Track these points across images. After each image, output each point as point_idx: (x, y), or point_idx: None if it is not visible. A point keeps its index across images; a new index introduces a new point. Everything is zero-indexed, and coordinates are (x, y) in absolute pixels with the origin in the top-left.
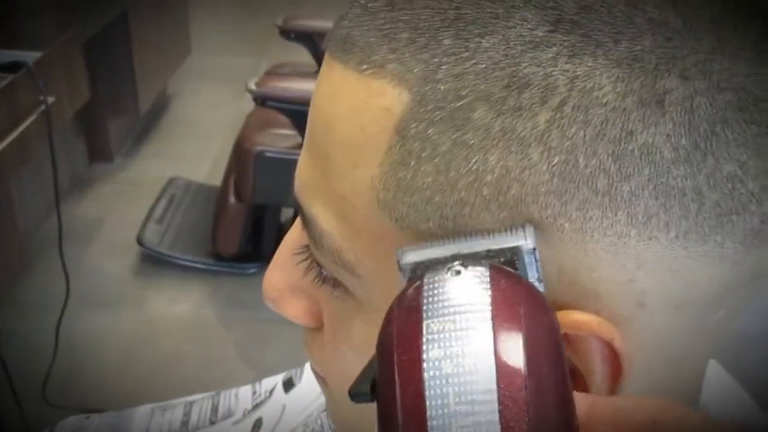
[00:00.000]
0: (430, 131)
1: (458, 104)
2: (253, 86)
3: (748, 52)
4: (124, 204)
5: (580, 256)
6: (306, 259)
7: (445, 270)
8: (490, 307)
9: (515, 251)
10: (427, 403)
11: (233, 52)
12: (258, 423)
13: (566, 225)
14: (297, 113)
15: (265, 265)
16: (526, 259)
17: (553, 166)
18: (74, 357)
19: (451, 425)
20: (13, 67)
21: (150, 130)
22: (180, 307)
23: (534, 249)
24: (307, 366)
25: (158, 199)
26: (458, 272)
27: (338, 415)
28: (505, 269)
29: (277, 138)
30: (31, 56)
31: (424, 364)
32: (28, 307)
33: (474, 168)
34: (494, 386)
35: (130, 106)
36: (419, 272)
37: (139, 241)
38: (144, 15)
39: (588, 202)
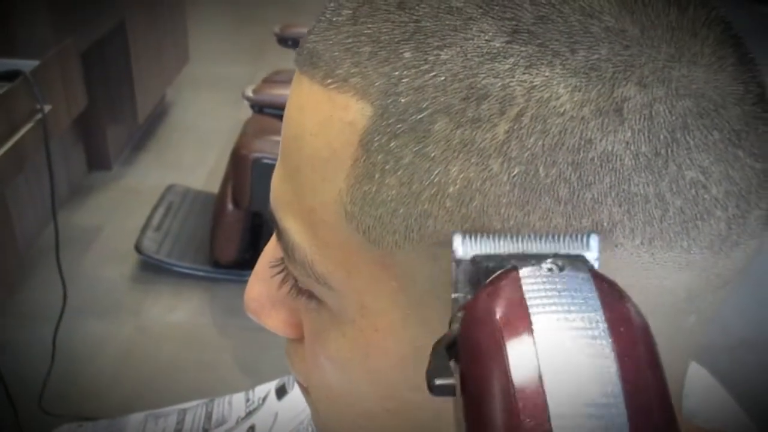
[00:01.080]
0: (392, 144)
1: (419, 117)
2: (250, 93)
3: (707, 59)
4: (122, 212)
5: None
6: (281, 271)
7: (543, 266)
8: (601, 308)
9: (581, 259)
10: (550, 403)
11: (231, 61)
12: (251, 430)
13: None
14: None
15: None
16: (595, 266)
17: (514, 176)
18: (71, 365)
19: (578, 426)
20: (9, 75)
21: (148, 138)
22: (178, 315)
23: (597, 258)
24: None
25: (156, 207)
26: (561, 269)
27: (321, 423)
28: (599, 273)
29: (274, 145)
30: (28, 65)
31: (540, 361)
32: (25, 315)
33: (436, 180)
34: (620, 389)
35: (128, 114)
36: (485, 265)
37: (137, 249)
38: (142, 24)
39: (550, 211)
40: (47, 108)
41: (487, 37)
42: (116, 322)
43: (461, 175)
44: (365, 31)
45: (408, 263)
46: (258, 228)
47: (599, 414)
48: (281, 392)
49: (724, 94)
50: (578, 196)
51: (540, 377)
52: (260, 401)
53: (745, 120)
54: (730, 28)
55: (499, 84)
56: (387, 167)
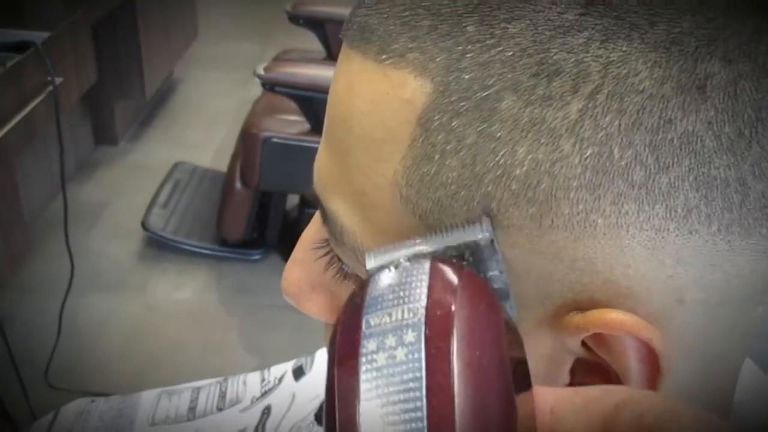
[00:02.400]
0: (454, 123)
1: (484, 94)
2: (261, 71)
3: None
4: (129, 188)
5: (615, 253)
6: (327, 254)
7: (390, 266)
8: (425, 298)
9: (471, 246)
10: (361, 395)
11: (240, 38)
12: (267, 410)
13: (599, 220)
14: (305, 99)
15: (269, 251)
16: (485, 252)
17: (586, 158)
18: (77, 341)
19: (380, 415)
20: (21, 47)
21: (155, 114)
22: (184, 292)
23: (492, 241)
24: (318, 354)
25: (163, 184)
26: (397, 266)
27: None
28: (448, 262)
29: (285, 124)
30: (39, 36)
31: (361, 358)
32: (31, 289)
33: (501, 161)
34: (422, 374)
35: (136, 89)
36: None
37: (144, 226)
38: None
39: (623, 195)
40: (58, 80)
41: (559, 9)
42: (122, 299)
43: (529, 156)
44: (423, 4)
45: None
46: (266, 207)
47: (404, 399)
48: (299, 373)
49: None
50: (654, 179)
51: (358, 375)
52: (276, 381)
53: None
54: None
55: (573, 59)
56: (448, 147)
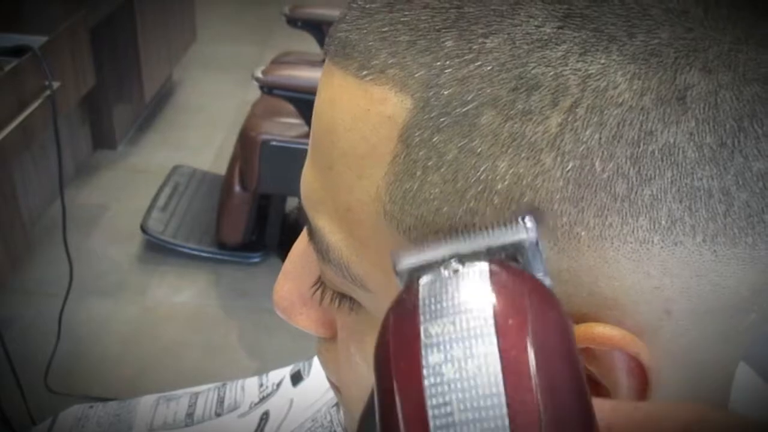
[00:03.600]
0: (435, 139)
1: (464, 110)
2: (259, 74)
3: None
4: (128, 191)
5: (600, 265)
6: (320, 286)
7: (442, 269)
8: (492, 304)
9: (517, 246)
10: (430, 413)
11: (238, 41)
12: (265, 416)
13: (583, 233)
14: (303, 102)
15: (268, 254)
16: (530, 253)
17: (568, 171)
18: (77, 344)
19: None
20: (18, 50)
21: (154, 117)
22: (183, 296)
23: (537, 242)
24: (316, 359)
25: (162, 187)
26: (456, 270)
27: (354, 423)
28: (506, 264)
29: (283, 127)
30: (37, 40)
31: (424, 371)
32: (30, 294)
33: (483, 177)
34: (501, 389)
35: (134, 93)
36: (417, 276)
37: (143, 229)
38: (149, 2)
39: (606, 208)
40: (56, 84)
41: (536, 23)
42: (122, 302)
43: (510, 171)
44: (402, 19)
45: None
46: (265, 210)
47: (480, 418)
48: (297, 378)
49: None
50: (636, 192)
51: (423, 387)
52: (274, 387)
53: None
54: None
55: (551, 73)
56: (429, 163)
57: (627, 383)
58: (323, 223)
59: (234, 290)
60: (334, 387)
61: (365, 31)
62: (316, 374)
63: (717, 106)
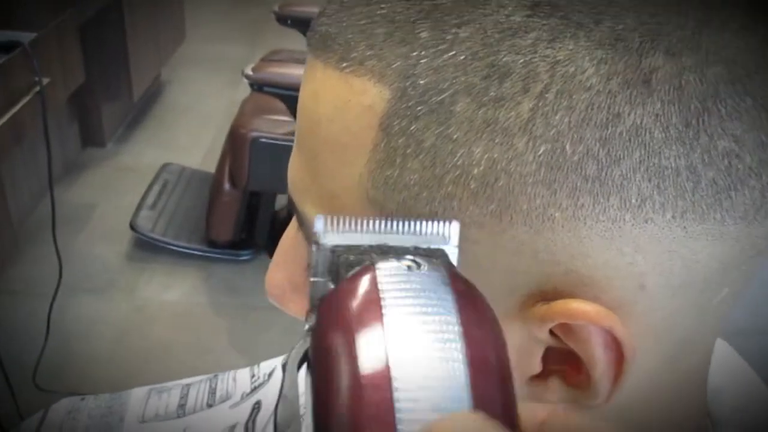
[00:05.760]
0: (413, 127)
1: (439, 98)
2: (249, 71)
3: (737, 22)
4: (117, 189)
5: (575, 244)
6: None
7: (397, 260)
8: (456, 310)
9: (440, 252)
10: (396, 405)
11: (227, 39)
12: (257, 406)
13: (557, 214)
14: (294, 99)
15: (258, 251)
16: (451, 258)
17: (540, 155)
18: (66, 342)
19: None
20: (8, 46)
21: (143, 116)
22: (173, 294)
23: (457, 247)
24: None
25: (151, 185)
26: (418, 266)
27: None
28: (460, 274)
29: (273, 124)
30: (26, 36)
31: (390, 363)
32: (18, 291)
33: (459, 162)
34: (468, 395)
35: (123, 91)
36: (345, 257)
37: (132, 227)
38: (138, 0)
39: (578, 189)
40: (45, 80)
41: (506, 12)
42: (111, 300)
43: (485, 156)
44: (379, 12)
45: None
46: (255, 208)
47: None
48: None
49: (756, 59)
50: (606, 172)
51: (390, 379)
52: (266, 377)
53: None
54: None
55: (522, 60)
56: (408, 151)
57: (604, 357)
58: (310, 209)
59: (224, 288)
60: None
61: (344, 24)
62: None
63: (681, 88)
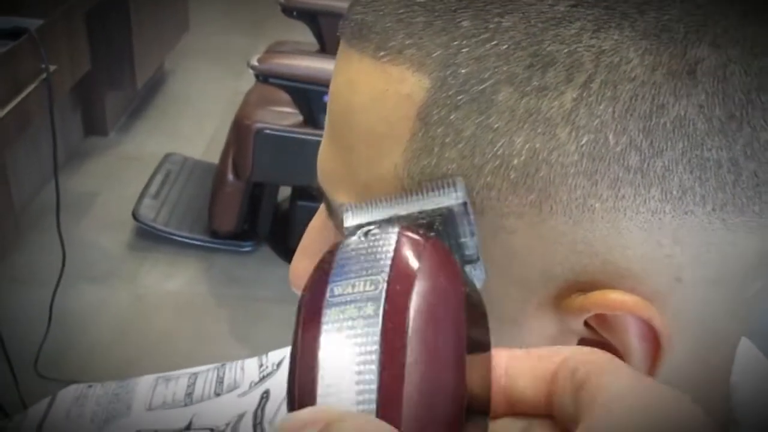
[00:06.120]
0: (452, 116)
1: (481, 87)
2: (255, 62)
3: None
4: (119, 179)
5: (613, 235)
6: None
7: (361, 233)
8: (388, 269)
9: (446, 210)
10: (320, 363)
11: (232, 30)
12: (265, 395)
13: (597, 205)
14: (299, 91)
15: (260, 243)
16: (457, 217)
17: (582, 145)
18: (68, 331)
19: (339, 384)
20: (15, 33)
21: (146, 105)
22: (174, 283)
23: (465, 204)
24: None
25: (154, 175)
26: (366, 234)
27: None
28: (416, 231)
29: (277, 116)
30: (33, 23)
31: (323, 326)
32: (21, 280)
33: (500, 152)
34: (377, 347)
35: (126, 80)
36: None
37: (135, 216)
38: None
39: (619, 180)
40: (52, 68)
41: (550, 2)
42: (113, 289)
43: (527, 146)
44: (418, 1)
45: None
46: (257, 199)
47: (359, 371)
48: None
49: None
50: (649, 164)
51: (317, 350)
52: (275, 366)
53: None
54: None
55: (566, 50)
56: (447, 140)
57: (640, 347)
58: (342, 199)
59: (225, 278)
60: None
61: (381, 13)
62: None
63: (726, 80)
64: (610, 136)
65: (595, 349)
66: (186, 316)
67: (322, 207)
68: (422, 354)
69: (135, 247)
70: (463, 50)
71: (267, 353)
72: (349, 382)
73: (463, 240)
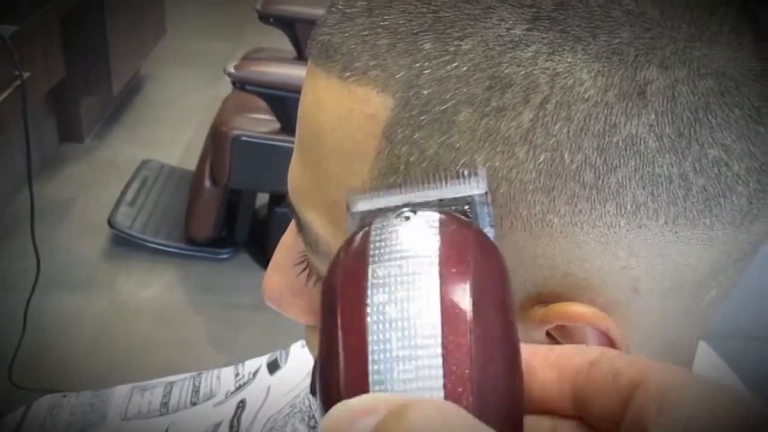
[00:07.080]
0: (416, 135)
1: (442, 108)
2: (232, 69)
3: (725, 37)
4: (95, 185)
5: (572, 249)
6: (305, 268)
7: (395, 216)
8: (438, 252)
9: (467, 200)
10: (370, 347)
11: (208, 36)
12: (241, 404)
13: (555, 220)
14: (275, 98)
15: (238, 250)
16: (478, 207)
17: (540, 163)
18: (43, 339)
19: (393, 369)
20: None
21: (122, 112)
22: (151, 291)
23: (486, 194)
24: (293, 348)
25: (130, 182)
26: (408, 218)
27: None
28: (456, 215)
29: (255, 122)
30: (7, 30)
31: (368, 309)
32: None
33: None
34: (438, 331)
35: (102, 86)
36: (369, 221)
37: (110, 223)
38: None
39: (576, 196)
40: (26, 75)
41: (507, 25)
42: (88, 296)
43: (487, 164)
44: (382, 23)
45: None
46: (235, 206)
47: (417, 356)
48: (273, 367)
49: (744, 72)
50: (603, 180)
51: (365, 326)
52: (251, 375)
53: (765, 96)
54: (748, 5)
55: (522, 72)
56: (412, 159)
57: None
58: (312, 216)
59: (203, 286)
60: None
61: (347, 34)
62: (294, 362)
63: (674, 99)
64: (566, 155)
65: (624, 354)
66: (163, 323)
67: (293, 223)
68: (482, 339)
69: (111, 255)
70: (425, 72)
71: (243, 362)
72: (407, 368)
73: (485, 229)
